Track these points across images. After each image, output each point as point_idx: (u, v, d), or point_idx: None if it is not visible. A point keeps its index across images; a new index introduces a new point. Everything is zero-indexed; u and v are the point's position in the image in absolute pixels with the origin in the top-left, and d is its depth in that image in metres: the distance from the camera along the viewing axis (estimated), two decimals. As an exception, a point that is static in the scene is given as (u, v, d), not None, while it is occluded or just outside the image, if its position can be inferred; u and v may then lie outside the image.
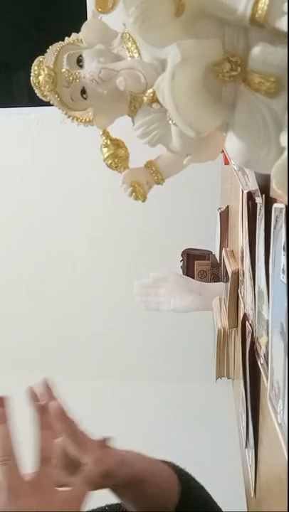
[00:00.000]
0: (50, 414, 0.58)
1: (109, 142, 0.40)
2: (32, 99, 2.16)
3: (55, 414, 0.60)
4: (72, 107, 0.40)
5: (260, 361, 0.63)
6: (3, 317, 2.57)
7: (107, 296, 2.44)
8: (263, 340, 0.61)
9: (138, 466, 0.65)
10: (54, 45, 0.39)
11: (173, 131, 0.36)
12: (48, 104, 0.40)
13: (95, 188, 2.30)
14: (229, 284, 1.02)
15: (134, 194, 0.39)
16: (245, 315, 0.82)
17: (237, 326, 1.05)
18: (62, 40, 0.39)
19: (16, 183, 2.44)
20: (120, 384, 2.32)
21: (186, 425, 2.02)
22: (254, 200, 0.64)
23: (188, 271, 1.61)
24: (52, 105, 0.40)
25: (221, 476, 1.40)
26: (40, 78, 0.38)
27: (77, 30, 0.39)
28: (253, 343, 0.70)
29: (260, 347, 0.63)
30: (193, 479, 0.73)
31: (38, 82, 0.38)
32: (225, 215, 1.44)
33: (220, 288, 1.25)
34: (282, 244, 0.44)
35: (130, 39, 0.36)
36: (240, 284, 0.96)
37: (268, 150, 0.30)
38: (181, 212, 2.28)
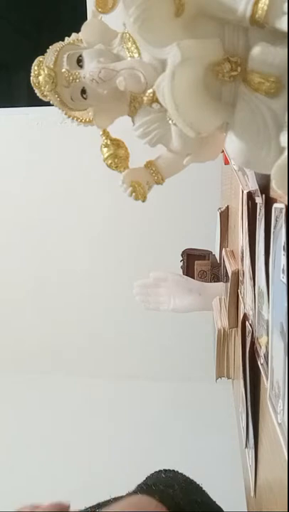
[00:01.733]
0: None
1: (109, 142, 0.40)
2: (32, 99, 2.16)
3: None
4: (72, 107, 0.40)
5: (260, 361, 0.63)
6: (3, 317, 2.57)
7: (107, 296, 2.44)
8: (263, 340, 0.61)
9: None
10: (54, 45, 0.39)
11: (173, 131, 0.36)
12: (48, 104, 0.40)
13: (95, 188, 2.30)
14: (229, 284, 1.02)
15: (134, 194, 0.39)
16: (245, 315, 0.82)
17: (237, 326, 1.05)
18: (62, 40, 0.39)
19: (16, 183, 2.44)
20: (120, 384, 2.32)
21: (186, 425, 2.03)
22: (254, 200, 0.64)
23: (188, 271, 1.61)
24: (52, 105, 0.40)
25: (221, 476, 1.40)
26: (40, 78, 0.38)
27: (77, 30, 0.39)
28: (253, 343, 0.70)
29: (260, 347, 0.63)
30: (174, 489, 0.67)
31: (38, 82, 0.38)
32: (225, 215, 1.44)
33: (220, 288, 1.25)
34: (282, 244, 0.44)
35: (130, 39, 0.36)
36: (240, 284, 0.96)
37: (268, 150, 0.30)
38: (181, 212, 2.28)
